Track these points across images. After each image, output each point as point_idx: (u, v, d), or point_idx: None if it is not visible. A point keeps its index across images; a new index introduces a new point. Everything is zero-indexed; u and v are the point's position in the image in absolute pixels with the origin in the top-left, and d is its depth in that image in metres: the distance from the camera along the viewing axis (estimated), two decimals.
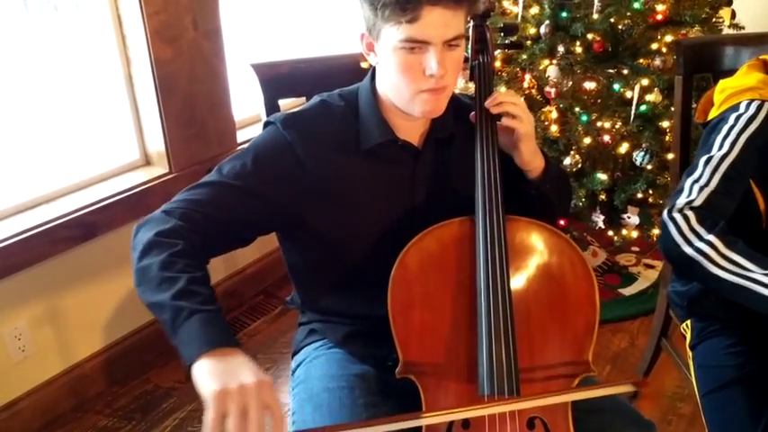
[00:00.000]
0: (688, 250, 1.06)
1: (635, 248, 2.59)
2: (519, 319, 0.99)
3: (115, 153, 2.00)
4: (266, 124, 1.12)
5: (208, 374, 0.80)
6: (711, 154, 1.13)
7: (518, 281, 1.05)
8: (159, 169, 2.02)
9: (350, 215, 1.10)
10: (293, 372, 1.25)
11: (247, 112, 2.33)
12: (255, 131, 2.30)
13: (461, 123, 1.13)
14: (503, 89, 2.05)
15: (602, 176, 2.09)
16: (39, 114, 1.83)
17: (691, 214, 1.08)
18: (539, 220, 1.08)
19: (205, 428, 0.77)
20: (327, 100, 1.13)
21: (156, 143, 2.00)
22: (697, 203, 1.09)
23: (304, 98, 1.37)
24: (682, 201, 1.11)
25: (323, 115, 1.11)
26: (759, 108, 1.14)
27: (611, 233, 2.24)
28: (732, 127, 1.14)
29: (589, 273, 1.06)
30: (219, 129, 2.13)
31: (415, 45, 0.97)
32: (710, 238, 1.05)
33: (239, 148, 2.21)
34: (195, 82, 1.98)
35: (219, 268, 2.33)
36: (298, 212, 1.09)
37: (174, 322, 0.86)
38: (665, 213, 1.12)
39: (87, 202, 1.83)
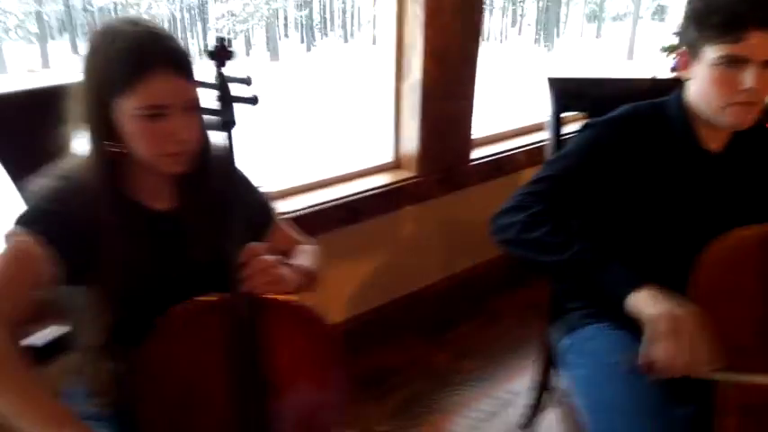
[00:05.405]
0: None
1: None
2: None
3: (374, 154, 2.32)
4: (586, 126, 1.32)
5: (650, 301, 1.03)
6: None
7: None
8: (407, 172, 2.30)
9: (648, 214, 1.26)
10: (567, 350, 1.41)
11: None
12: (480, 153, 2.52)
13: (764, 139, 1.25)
14: None
15: None
16: (321, 123, 2.16)
17: None
18: None
19: (653, 344, 0.99)
20: (638, 108, 1.31)
21: (410, 149, 2.27)
22: None
23: (585, 113, 1.56)
24: None
25: (633, 121, 1.28)
26: None
27: None
28: None
29: None
30: (458, 143, 2.37)
31: (734, 62, 1.12)
32: None
33: (471, 165, 2.44)
34: (450, 99, 2.24)
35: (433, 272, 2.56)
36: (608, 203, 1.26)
37: (592, 271, 1.10)
38: None
39: (355, 191, 2.13)
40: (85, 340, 1.06)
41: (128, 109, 0.97)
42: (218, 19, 20.86)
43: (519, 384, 2.19)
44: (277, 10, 23.03)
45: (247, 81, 1.13)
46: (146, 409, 1.02)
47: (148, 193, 1.08)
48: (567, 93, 1.53)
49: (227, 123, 1.07)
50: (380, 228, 2.24)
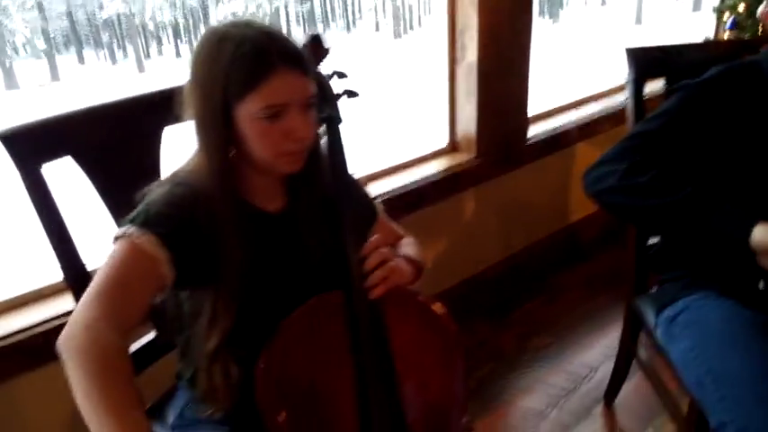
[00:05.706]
0: None
1: None
2: None
3: (429, 140, 2.31)
4: (676, 89, 1.30)
5: None
6: None
7: None
8: (465, 155, 2.28)
9: (748, 168, 1.25)
10: (667, 323, 1.39)
11: None
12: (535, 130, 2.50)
13: None
14: None
15: None
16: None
17: None
18: None
19: None
20: (731, 66, 1.29)
21: (466, 132, 2.25)
22: None
23: (663, 80, 1.55)
24: None
25: (728, 78, 1.27)
26: None
27: None
28: None
29: None
30: (515, 122, 2.35)
31: None
32: None
33: (528, 143, 2.43)
34: (506, 78, 2.22)
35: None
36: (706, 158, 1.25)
37: (707, 211, 1.11)
38: None
39: (416, 178, 2.12)
40: (200, 345, 1.04)
41: (248, 112, 0.94)
42: (220, 21, 20.83)
43: (592, 358, 2.18)
44: (278, 7, 22.96)
45: (342, 75, 1.13)
46: (273, 411, 1.00)
47: (260, 194, 1.06)
48: (646, 60, 1.52)
49: (333, 119, 1.07)
50: (442, 212, 2.24)
